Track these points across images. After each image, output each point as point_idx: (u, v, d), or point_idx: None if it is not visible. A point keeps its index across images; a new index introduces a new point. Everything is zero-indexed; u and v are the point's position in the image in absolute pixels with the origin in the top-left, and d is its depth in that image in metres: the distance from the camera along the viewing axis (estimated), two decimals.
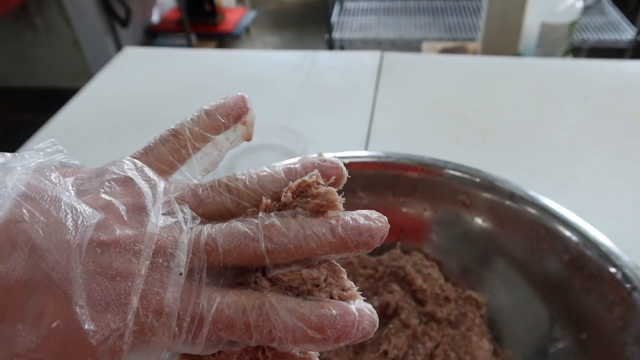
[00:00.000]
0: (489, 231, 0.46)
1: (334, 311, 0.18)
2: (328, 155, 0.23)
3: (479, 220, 0.47)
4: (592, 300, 0.40)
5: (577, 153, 0.70)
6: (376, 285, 0.46)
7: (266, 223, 0.19)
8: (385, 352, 0.41)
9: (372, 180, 0.50)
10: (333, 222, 0.19)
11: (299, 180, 0.21)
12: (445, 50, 1.69)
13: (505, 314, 0.45)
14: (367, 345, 0.43)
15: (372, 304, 0.44)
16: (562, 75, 0.88)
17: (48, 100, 0.88)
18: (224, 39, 2.90)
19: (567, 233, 0.42)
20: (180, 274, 0.18)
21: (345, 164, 0.49)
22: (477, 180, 0.47)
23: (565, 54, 1.36)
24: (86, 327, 0.16)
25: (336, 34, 1.89)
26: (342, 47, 1.95)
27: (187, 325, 0.18)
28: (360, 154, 0.50)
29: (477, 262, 0.47)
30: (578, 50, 1.76)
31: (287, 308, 0.18)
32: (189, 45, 2.61)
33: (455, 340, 0.43)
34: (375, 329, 0.20)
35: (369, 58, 0.95)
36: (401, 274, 0.45)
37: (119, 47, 2.27)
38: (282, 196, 0.20)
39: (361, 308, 0.19)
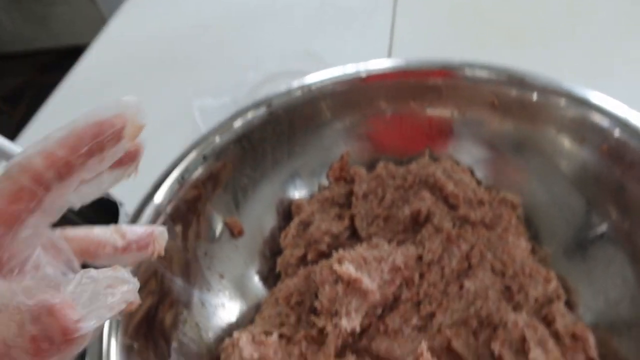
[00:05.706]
0: (521, 129, 0.44)
1: None
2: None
3: (510, 119, 0.45)
4: (634, 188, 0.38)
5: (614, 44, 0.65)
6: (406, 195, 0.45)
7: None
8: (420, 257, 0.41)
9: (394, 92, 0.48)
10: None
11: None
12: None
13: (542, 212, 0.44)
14: None
15: (402, 212, 0.44)
16: None
17: (73, 60, 0.88)
18: None
19: (605, 122, 0.40)
20: None
21: (364, 77, 0.48)
22: (506, 77, 0.44)
23: None
24: None
25: None
26: None
27: None
28: (380, 64, 0.48)
29: (510, 162, 0.46)
30: None
31: None
32: None
33: (491, 242, 0.42)
34: None
35: None
36: (431, 181, 0.44)
37: None
38: None
39: None
